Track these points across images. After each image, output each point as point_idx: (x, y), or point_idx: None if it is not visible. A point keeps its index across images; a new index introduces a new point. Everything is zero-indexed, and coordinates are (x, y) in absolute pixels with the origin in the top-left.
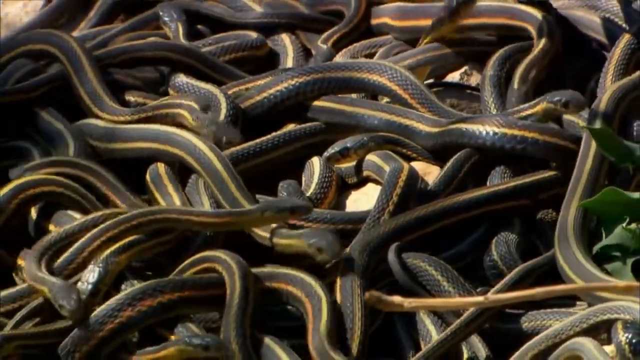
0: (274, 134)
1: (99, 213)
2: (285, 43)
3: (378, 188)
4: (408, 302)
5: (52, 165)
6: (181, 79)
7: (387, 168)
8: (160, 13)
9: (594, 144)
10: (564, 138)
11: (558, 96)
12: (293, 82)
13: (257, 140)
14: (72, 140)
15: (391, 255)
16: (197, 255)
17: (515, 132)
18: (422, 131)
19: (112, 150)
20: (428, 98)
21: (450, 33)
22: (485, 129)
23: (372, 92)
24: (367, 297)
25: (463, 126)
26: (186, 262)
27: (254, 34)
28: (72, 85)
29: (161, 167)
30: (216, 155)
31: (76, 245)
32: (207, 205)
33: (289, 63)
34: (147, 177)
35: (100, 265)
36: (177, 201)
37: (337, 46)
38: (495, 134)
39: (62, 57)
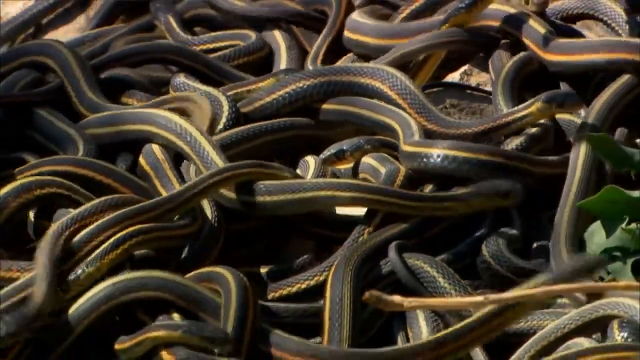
0: (253, 124)
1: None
2: (279, 41)
3: None
4: (408, 302)
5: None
6: (181, 79)
7: (383, 171)
8: (152, 9)
9: (583, 150)
10: (507, 157)
11: (553, 95)
12: (301, 85)
13: (237, 129)
14: (81, 143)
15: (392, 253)
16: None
17: (461, 153)
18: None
19: (109, 134)
20: (426, 107)
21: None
22: (430, 151)
23: (373, 97)
24: (366, 296)
25: (416, 149)
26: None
27: (252, 34)
28: (67, 93)
29: (157, 150)
30: (208, 141)
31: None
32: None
33: (283, 62)
34: (143, 161)
35: (82, 267)
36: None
37: (329, 55)
38: (438, 156)
39: (56, 67)
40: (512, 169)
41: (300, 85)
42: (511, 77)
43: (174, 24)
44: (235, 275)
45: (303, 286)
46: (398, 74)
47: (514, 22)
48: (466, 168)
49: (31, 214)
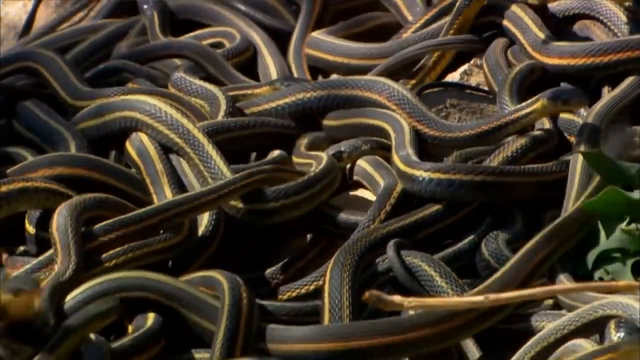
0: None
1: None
2: (255, 38)
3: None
4: (408, 302)
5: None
6: (180, 74)
7: (376, 176)
8: (139, 2)
9: (581, 161)
10: (491, 174)
11: (558, 93)
12: (301, 97)
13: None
14: (73, 142)
15: (390, 252)
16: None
17: (439, 175)
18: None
19: (100, 125)
20: (425, 114)
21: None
22: (416, 174)
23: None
24: (366, 296)
25: (405, 170)
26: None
27: (234, 32)
28: (54, 90)
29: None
30: (198, 129)
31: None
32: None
33: (269, 61)
34: (133, 152)
35: None
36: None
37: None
38: (423, 179)
39: (41, 68)
40: (498, 185)
41: (300, 97)
42: (517, 83)
43: (156, 23)
44: (228, 277)
45: (312, 287)
46: (395, 84)
47: (512, 19)
48: (451, 191)
49: (30, 227)
